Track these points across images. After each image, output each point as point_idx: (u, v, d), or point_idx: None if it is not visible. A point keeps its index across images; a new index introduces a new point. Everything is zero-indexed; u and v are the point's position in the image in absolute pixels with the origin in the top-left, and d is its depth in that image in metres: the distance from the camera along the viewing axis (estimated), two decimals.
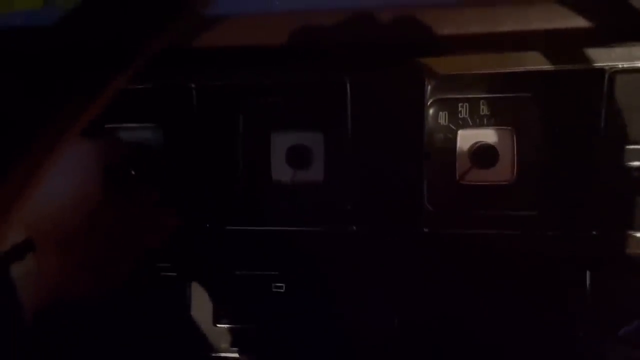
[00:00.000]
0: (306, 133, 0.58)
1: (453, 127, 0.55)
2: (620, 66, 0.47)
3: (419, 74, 0.50)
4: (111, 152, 0.48)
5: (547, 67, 0.48)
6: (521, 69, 0.48)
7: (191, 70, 0.53)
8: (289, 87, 0.56)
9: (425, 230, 0.52)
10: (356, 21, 0.46)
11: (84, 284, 0.45)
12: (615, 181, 0.49)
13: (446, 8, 0.45)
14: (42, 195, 0.40)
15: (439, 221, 0.53)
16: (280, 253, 0.57)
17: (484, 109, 0.54)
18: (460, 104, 0.54)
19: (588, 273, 0.52)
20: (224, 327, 0.59)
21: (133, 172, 0.54)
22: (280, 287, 0.58)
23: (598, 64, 0.47)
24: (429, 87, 0.51)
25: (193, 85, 0.53)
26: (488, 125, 0.54)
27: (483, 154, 0.53)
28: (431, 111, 0.54)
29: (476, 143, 0.54)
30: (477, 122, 0.54)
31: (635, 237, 0.49)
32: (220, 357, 0.60)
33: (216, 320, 0.60)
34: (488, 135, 0.54)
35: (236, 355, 0.59)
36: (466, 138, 0.55)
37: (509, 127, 0.54)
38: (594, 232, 0.49)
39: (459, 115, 0.55)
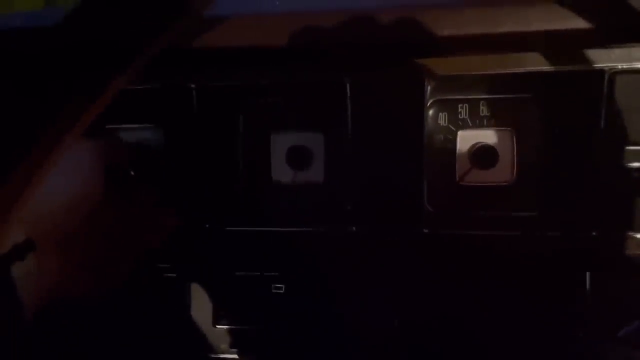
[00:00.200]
0: (306, 133, 0.58)
1: (453, 128, 0.55)
2: (619, 67, 0.47)
3: (419, 75, 0.50)
4: (111, 153, 0.48)
5: (547, 68, 0.48)
6: (521, 69, 0.48)
7: (191, 71, 0.53)
8: (289, 88, 0.56)
9: (425, 230, 0.52)
10: (356, 22, 0.46)
11: (84, 284, 0.45)
12: (614, 182, 0.49)
13: (446, 9, 0.45)
14: (42, 195, 0.39)
15: (438, 222, 0.53)
16: (280, 254, 0.57)
17: (483, 110, 0.54)
18: (460, 105, 0.54)
19: (588, 274, 0.52)
20: (224, 328, 0.59)
21: (132, 173, 0.54)
22: (280, 288, 0.58)
23: (598, 65, 0.47)
24: (429, 88, 0.51)
25: (193, 86, 0.53)
26: (488, 126, 0.54)
27: (483, 155, 0.53)
28: (431, 112, 0.54)
29: (476, 144, 0.54)
30: (477, 122, 0.54)
31: (635, 238, 0.49)
32: (219, 358, 0.60)
33: (216, 321, 0.60)
34: (488, 136, 0.54)
35: (236, 356, 0.59)
36: (466, 139, 0.55)
37: (509, 128, 0.54)
38: (594, 233, 0.50)
39: (459, 116, 0.55)
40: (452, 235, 0.52)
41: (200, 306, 0.60)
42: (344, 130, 0.52)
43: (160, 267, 0.59)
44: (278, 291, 0.58)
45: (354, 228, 0.53)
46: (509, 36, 0.45)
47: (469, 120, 0.54)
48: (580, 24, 0.43)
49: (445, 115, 0.55)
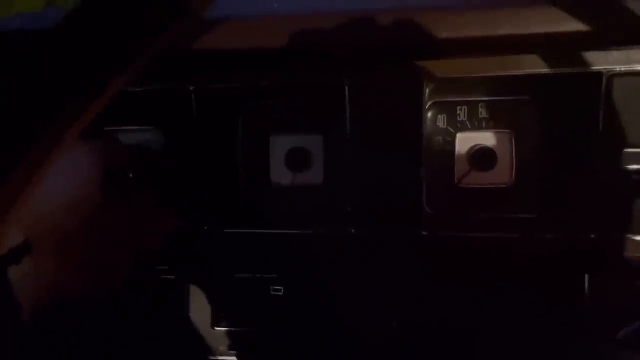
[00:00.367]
0: (305, 135, 0.58)
1: (452, 130, 0.55)
2: (617, 69, 0.47)
3: (418, 77, 0.50)
4: (110, 154, 0.48)
5: (546, 70, 0.48)
6: (520, 72, 0.48)
7: (190, 73, 0.53)
8: (288, 90, 0.56)
9: (424, 232, 0.52)
10: (355, 23, 0.46)
11: (83, 285, 0.45)
12: (613, 184, 0.50)
13: (445, 11, 0.45)
14: (41, 196, 0.40)
15: (437, 224, 0.53)
16: (279, 255, 0.56)
17: (482, 112, 0.54)
18: (458, 107, 0.55)
19: (586, 276, 0.52)
20: (222, 329, 0.59)
21: (131, 175, 0.54)
22: (279, 290, 0.58)
23: (596, 68, 0.47)
24: (428, 90, 0.51)
25: (192, 88, 0.53)
26: (487, 128, 0.54)
27: (482, 157, 0.53)
28: (430, 114, 0.54)
29: (475, 146, 0.54)
30: (476, 124, 0.55)
31: (634, 240, 0.49)
32: None
33: (214, 323, 0.59)
34: (486, 138, 0.54)
35: (234, 358, 0.59)
36: (465, 141, 0.55)
37: (508, 130, 0.54)
38: (593, 235, 0.50)
39: (458, 117, 0.55)
40: (451, 237, 0.52)
41: (199, 308, 0.60)
42: (343, 132, 0.52)
43: (159, 269, 0.59)
44: (277, 293, 0.58)
45: (352, 230, 0.53)
46: (508, 38, 0.45)
47: (467, 122, 0.55)
48: (578, 26, 0.43)
49: (444, 117, 0.55)
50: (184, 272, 0.60)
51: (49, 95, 0.21)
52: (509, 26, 0.44)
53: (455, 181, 0.55)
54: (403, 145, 0.51)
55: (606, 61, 0.47)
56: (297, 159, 0.57)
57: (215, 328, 0.59)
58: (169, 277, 0.60)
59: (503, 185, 0.54)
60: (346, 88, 0.51)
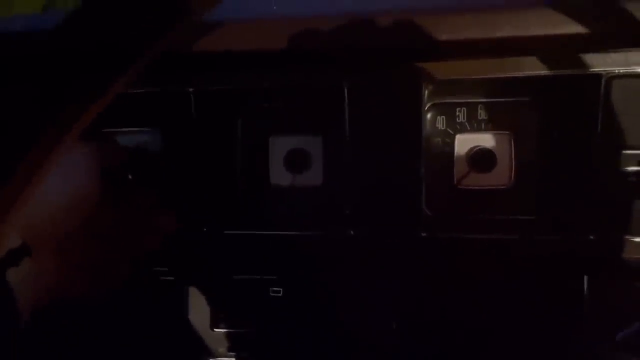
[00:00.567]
0: (304, 137, 0.58)
1: (451, 132, 0.55)
2: (616, 71, 0.47)
3: (417, 79, 0.50)
4: (109, 156, 0.48)
5: (545, 72, 0.48)
6: (519, 73, 0.48)
7: (189, 75, 0.53)
8: (287, 91, 0.56)
9: (424, 234, 0.52)
10: (354, 26, 0.46)
11: (82, 286, 0.45)
12: (612, 186, 0.50)
13: (445, 13, 0.46)
14: (40, 197, 0.40)
15: (437, 225, 0.53)
16: (279, 257, 0.56)
17: (481, 114, 0.54)
18: (458, 109, 0.55)
19: (586, 277, 0.52)
20: (222, 331, 0.59)
21: (130, 176, 0.54)
22: (278, 292, 0.58)
23: (595, 69, 0.47)
24: (427, 92, 0.51)
25: (191, 90, 0.53)
26: (486, 129, 0.54)
27: (481, 159, 0.53)
28: (429, 115, 0.55)
29: (474, 147, 0.54)
30: (475, 126, 0.55)
31: (633, 241, 0.49)
32: None
33: (214, 324, 0.59)
34: (486, 140, 0.54)
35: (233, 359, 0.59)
36: (464, 142, 0.55)
37: (507, 132, 0.54)
38: (592, 237, 0.50)
39: (457, 119, 0.55)
40: (450, 238, 0.52)
41: (198, 309, 0.59)
42: (342, 134, 0.52)
43: (159, 270, 0.59)
44: (276, 295, 0.58)
45: (352, 231, 0.53)
46: (507, 40, 0.45)
47: (467, 124, 0.55)
48: (577, 28, 0.44)
49: (443, 118, 0.55)
50: (183, 273, 0.60)
51: (49, 96, 0.21)
52: (509, 28, 0.45)
53: (455, 183, 0.55)
54: (402, 147, 0.51)
55: (605, 63, 0.47)
56: (297, 161, 0.57)
57: (215, 330, 0.59)
58: (168, 278, 0.59)
59: (502, 187, 0.54)
60: (345, 90, 0.51)
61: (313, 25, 0.47)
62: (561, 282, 0.53)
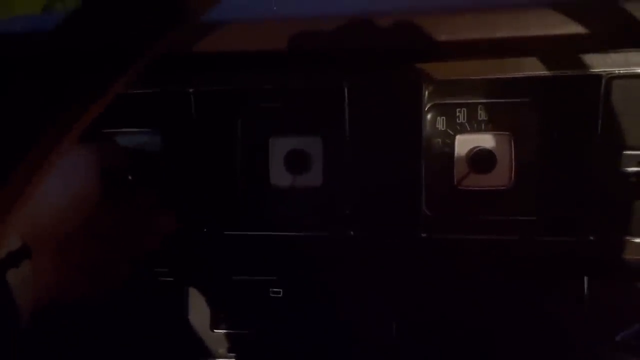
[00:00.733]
0: (305, 138, 0.58)
1: (451, 132, 0.55)
2: (616, 72, 0.47)
3: (417, 79, 0.50)
4: (109, 157, 0.48)
5: (545, 72, 0.48)
6: (519, 74, 0.48)
7: (189, 75, 0.53)
8: (287, 92, 0.56)
9: (423, 235, 0.52)
10: (354, 26, 0.47)
11: (82, 286, 0.45)
12: (612, 186, 0.50)
13: (444, 13, 0.46)
14: (40, 197, 0.40)
15: (437, 226, 0.53)
16: (278, 258, 0.56)
17: (481, 114, 0.54)
18: (458, 109, 0.55)
19: (586, 278, 0.52)
20: (222, 332, 0.59)
21: (130, 177, 0.54)
22: (278, 292, 0.58)
23: (595, 70, 0.47)
24: (427, 92, 0.51)
25: (191, 90, 0.53)
26: (486, 130, 0.54)
27: (481, 159, 0.53)
28: (429, 116, 0.55)
29: (474, 148, 0.54)
30: (475, 127, 0.55)
31: (633, 242, 0.49)
32: None
33: (213, 325, 0.59)
34: (486, 140, 0.54)
35: None
36: (464, 143, 0.55)
37: (507, 132, 0.54)
38: (592, 237, 0.50)
39: (457, 120, 0.55)
40: (450, 239, 0.52)
41: (199, 310, 0.59)
42: (342, 135, 0.52)
43: (159, 271, 0.59)
44: (276, 295, 0.58)
45: (352, 232, 0.53)
46: (507, 41, 0.45)
47: (467, 125, 0.55)
48: (577, 29, 0.44)
49: (443, 119, 0.55)
50: (183, 274, 0.60)
51: (49, 97, 0.21)
52: (509, 29, 0.45)
53: (455, 183, 0.55)
54: (402, 148, 0.51)
55: (605, 64, 0.47)
56: (297, 161, 0.57)
57: (215, 330, 0.59)
58: (168, 279, 0.59)
59: (502, 188, 0.54)
60: (345, 90, 0.51)
61: (313, 25, 0.47)
62: (561, 282, 0.53)
